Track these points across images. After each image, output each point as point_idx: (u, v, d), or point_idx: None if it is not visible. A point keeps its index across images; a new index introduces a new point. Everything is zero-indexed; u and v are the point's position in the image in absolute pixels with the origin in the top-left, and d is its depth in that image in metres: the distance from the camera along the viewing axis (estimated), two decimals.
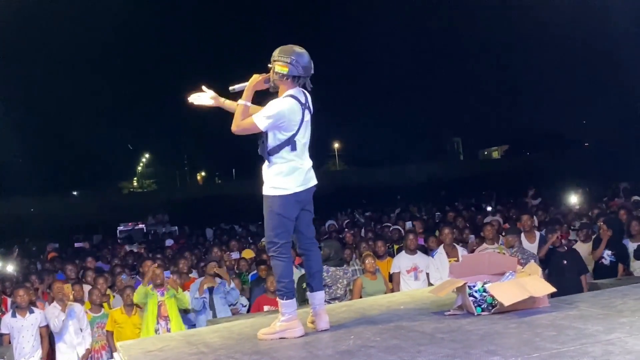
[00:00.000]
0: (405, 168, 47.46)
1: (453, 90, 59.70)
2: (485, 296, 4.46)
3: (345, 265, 8.08)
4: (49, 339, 8.00)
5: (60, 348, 7.84)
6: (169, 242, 15.61)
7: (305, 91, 4.62)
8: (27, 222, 36.57)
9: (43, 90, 55.41)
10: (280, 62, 4.47)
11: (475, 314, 4.41)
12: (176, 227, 22.64)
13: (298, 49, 4.53)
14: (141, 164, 71.80)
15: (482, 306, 4.44)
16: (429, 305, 4.90)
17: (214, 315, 8.12)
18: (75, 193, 58.09)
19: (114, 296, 8.73)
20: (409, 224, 10.79)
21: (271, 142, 4.51)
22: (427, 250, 8.95)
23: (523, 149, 59.02)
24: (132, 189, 67.82)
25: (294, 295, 4.63)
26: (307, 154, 4.65)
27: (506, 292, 4.32)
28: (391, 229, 11.13)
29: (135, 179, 72.76)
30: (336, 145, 66.48)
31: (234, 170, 62.06)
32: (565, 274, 7.95)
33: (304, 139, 4.57)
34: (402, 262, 8.49)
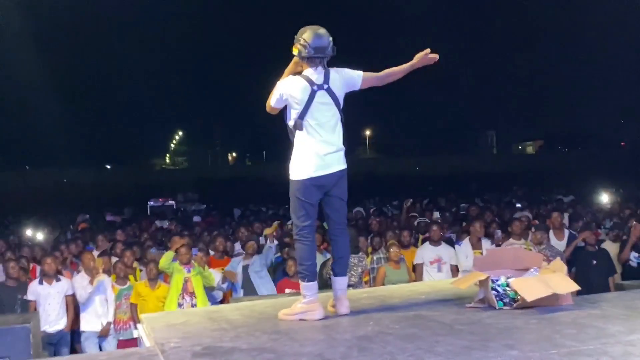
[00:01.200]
0: (436, 159, 47.21)
1: (489, 83, 59.18)
2: (507, 291, 4.44)
3: (360, 253, 8.10)
4: (74, 308, 8.16)
5: (85, 317, 8.00)
6: (196, 219, 15.82)
7: (329, 71, 4.54)
8: (59, 192, 37.23)
9: (85, 67, 56.25)
10: (294, 44, 4.52)
11: (497, 308, 4.39)
12: (205, 205, 22.86)
13: (310, 29, 4.50)
14: (174, 142, 72.42)
15: (504, 300, 4.42)
16: (451, 297, 4.89)
17: (254, 293, 8.11)
18: (108, 167, 58.80)
19: (140, 270, 8.84)
20: (435, 215, 10.74)
21: (289, 121, 4.57)
22: (453, 242, 8.91)
23: (558, 146, 58.30)
24: (164, 166, 68.50)
25: (316, 278, 4.66)
26: (329, 137, 4.54)
27: (529, 287, 4.29)
28: (417, 219, 11.10)
29: (167, 156, 73.47)
30: (367, 132, 66.28)
31: (264, 152, 62.33)
32: (593, 274, 7.89)
33: (314, 120, 4.48)
34: (426, 253, 8.48)
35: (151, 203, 22.90)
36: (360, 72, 4.71)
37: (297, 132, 4.53)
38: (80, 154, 53.35)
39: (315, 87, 4.48)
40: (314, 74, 4.50)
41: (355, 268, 7.87)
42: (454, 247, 8.56)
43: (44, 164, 50.56)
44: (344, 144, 4.68)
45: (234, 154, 71.48)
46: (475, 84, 61.38)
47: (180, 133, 70.47)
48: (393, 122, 63.20)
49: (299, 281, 4.67)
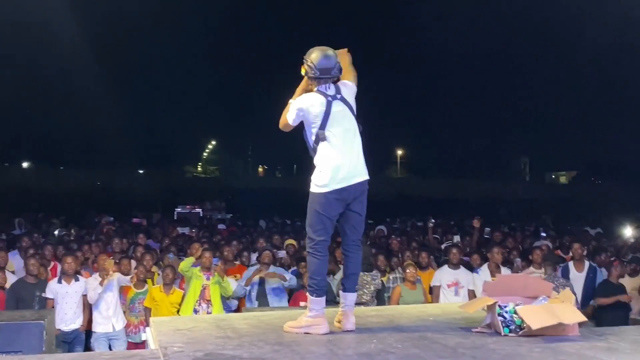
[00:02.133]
0: (467, 182, 46.87)
1: (526, 109, 58.68)
2: (514, 317, 4.41)
3: (374, 271, 8.08)
4: (90, 308, 8.26)
5: (95, 318, 8.08)
6: (221, 227, 15.98)
7: (337, 85, 4.65)
8: (91, 194, 37.75)
9: (127, 71, 57.15)
10: (303, 63, 4.65)
11: (502, 334, 4.37)
12: (231, 215, 23.00)
13: (318, 50, 4.63)
14: (207, 150, 73.04)
15: (510, 327, 4.40)
16: (459, 320, 4.87)
17: (265, 305, 8.12)
18: (141, 171, 59.48)
19: (158, 274, 8.94)
20: (456, 238, 10.70)
21: (309, 138, 4.62)
22: (472, 267, 8.85)
23: (592, 177, 57.53)
24: (195, 174, 69.07)
25: (325, 294, 4.69)
26: (349, 148, 4.60)
27: (536, 315, 4.26)
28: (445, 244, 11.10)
29: (199, 164, 74.10)
30: (400, 152, 66.14)
31: (295, 166, 62.52)
32: (610, 307, 7.78)
33: (335, 129, 4.55)
34: (444, 275, 8.44)
35: (178, 209, 23.11)
36: (352, 82, 4.80)
37: (319, 146, 4.58)
38: (115, 157, 54.12)
39: (329, 98, 4.58)
40: (325, 88, 4.62)
41: (368, 286, 7.86)
42: (472, 272, 8.49)
43: (78, 165, 51.32)
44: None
45: (265, 167, 71.87)
46: (512, 110, 60.98)
47: (213, 142, 71.11)
48: (427, 143, 63.03)
49: (307, 294, 4.70)
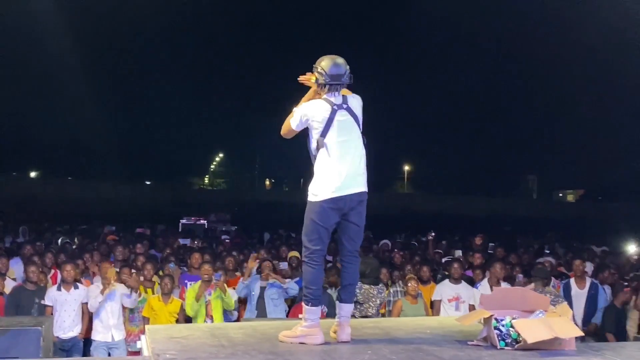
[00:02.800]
0: (473, 199, 46.78)
1: (534, 127, 58.62)
2: (510, 331, 4.38)
3: (380, 285, 8.03)
4: (89, 317, 8.23)
5: (96, 327, 8.03)
6: (224, 237, 16.00)
7: (345, 94, 4.67)
8: (98, 204, 37.85)
9: (133, 84, 57.53)
10: (313, 71, 4.66)
11: (498, 347, 4.33)
12: (235, 227, 22.97)
13: (328, 58, 4.64)
14: (214, 163, 73.21)
15: (507, 341, 4.36)
16: (455, 334, 4.83)
17: (263, 316, 8.11)
18: (147, 183, 59.64)
19: (158, 283, 8.92)
20: (457, 253, 10.66)
21: (311, 145, 4.63)
22: (473, 282, 8.81)
23: (599, 197, 57.30)
24: (202, 186, 69.21)
25: (320, 303, 4.66)
26: (351, 157, 4.58)
27: (532, 329, 4.22)
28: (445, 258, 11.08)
29: (207, 176, 74.25)
30: (407, 168, 66.12)
31: (302, 179, 62.58)
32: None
33: (335, 138, 4.54)
34: (445, 290, 8.40)
35: (183, 221, 23.07)
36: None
37: (319, 154, 4.58)
38: (122, 168, 54.33)
39: (335, 107, 4.58)
40: (332, 95, 4.62)
41: (374, 299, 7.80)
42: (473, 287, 8.45)
43: (85, 175, 51.55)
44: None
45: (272, 180, 71.95)
46: (520, 128, 60.95)
47: (221, 155, 71.27)
48: (433, 159, 63.02)
49: (303, 304, 4.67)
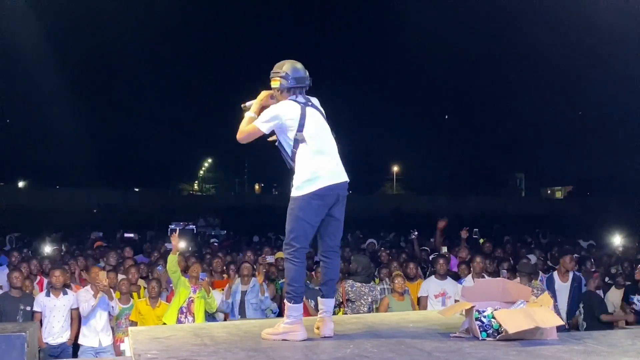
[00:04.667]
0: (462, 198, 46.87)
1: (521, 125, 58.80)
2: (492, 322, 4.40)
3: (372, 283, 8.05)
4: (79, 322, 8.20)
5: (83, 331, 7.99)
6: (213, 241, 15.98)
7: (308, 96, 4.74)
8: (86, 212, 37.73)
9: (118, 91, 57.38)
10: (274, 77, 4.68)
11: (480, 338, 4.35)
12: (225, 231, 22.95)
13: (289, 62, 4.70)
14: (203, 169, 73.06)
15: (488, 331, 4.38)
16: (438, 326, 4.85)
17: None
18: (136, 190, 59.44)
19: (144, 287, 8.89)
20: (443, 249, 10.69)
21: (286, 146, 4.63)
22: (459, 277, 8.84)
23: (588, 192, 57.55)
24: (191, 192, 69.03)
25: (302, 300, 4.66)
26: (329, 149, 4.64)
27: (513, 319, 4.25)
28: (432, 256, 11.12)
29: (196, 182, 74.08)
30: (395, 168, 66.21)
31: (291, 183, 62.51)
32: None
33: (312, 131, 4.58)
34: (431, 286, 8.41)
35: (172, 226, 23.02)
36: None
37: (298, 151, 4.57)
38: (110, 176, 54.12)
39: (302, 104, 4.63)
40: (297, 98, 4.67)
41: (365, 297, 7.82)
42: (457, 281, 8.48)
43: (74, 184, 51.29)
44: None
45: (261, 184, 71.82)
46: (507, 126, 61.16)
47: (209, 160, 71.12)
48: (422, 160, 63.11)
49: (285, 301, 4.67)
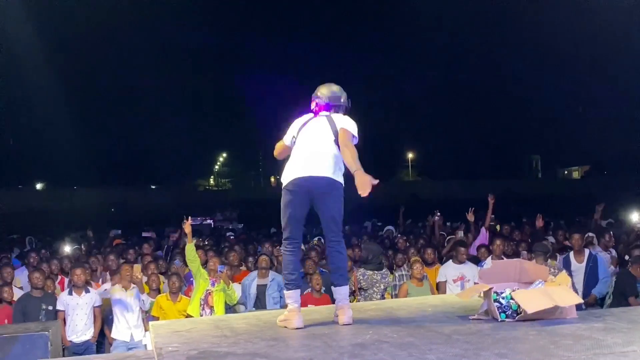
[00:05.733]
0: (479, 183, 46.65)
1: (535, 107, 58.45)
2: (510, 303, 4.39)
3: (384, 270, 8.05)
4: (101, 320, 8.29)
5: (116, 325, 8.05)
6: (229, 234, 16.05)
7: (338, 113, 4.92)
8: (104, 211, 37.97)
9: (134, 92, 57.65)
10: (313, 100, 5.01)
11: (499, 320, 4.34)
12: (242, 225, 23.01)
13: (323, 87, 5.01)
14: (218, 164, 73.28)
15: (507, 312, 4.37)
16: (457, 310, 4.85)
17: None
18: (153, 187, 59.79)
19: (163, 282, 8.95)
20: (459, 234, 10.65)
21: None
22: (478, 260, 8.81)
23: (605, 171, 57.15)
24: (207, 187, 69.32)
25: (297, 287, 4.77)
26: (313, 148, 4.76)
27: (531, 299, 4.24)
28: (447, 238, 11.07)
29: (212, 177, 74.35)
30: (410, 155, 66.05)
31: None
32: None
33: (304, 135, 4.85)
34: (449, 271, 8.39)
35: (190, 222, 23.13)
36: (343, 128, 4.82)
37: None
38: (128, 175, 54.51)
39: (316, 115, 4.92)
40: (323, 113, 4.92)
41: (377, 285, 7.83)
42: (477, 265, 8.46)
43: (92, 184, 51.67)
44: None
45: (277, 177, 71.97)
46: (521, 108, 60.77)
47: (224, 155, 71.31)
48: (437, 145, 62.92)
49: (284, 290, 4.82)
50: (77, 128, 50.84)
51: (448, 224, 12.41)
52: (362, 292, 7.73)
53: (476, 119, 60.64)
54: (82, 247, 13.18)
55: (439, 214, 11.75)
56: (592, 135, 54.75)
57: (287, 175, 4.76)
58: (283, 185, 4.78)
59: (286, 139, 4.96)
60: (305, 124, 4.88)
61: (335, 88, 4.98)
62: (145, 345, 5.06)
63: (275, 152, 5.09)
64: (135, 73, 57.28)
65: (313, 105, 4.98)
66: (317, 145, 4.76)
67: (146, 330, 8.09)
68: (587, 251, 8.51)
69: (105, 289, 8.59)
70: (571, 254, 8.43)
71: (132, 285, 8.18)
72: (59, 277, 9.40)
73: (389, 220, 19.23)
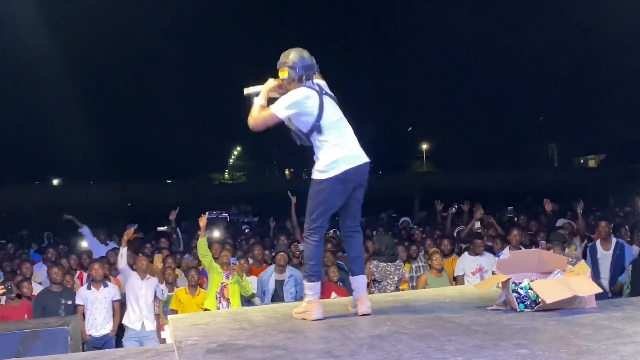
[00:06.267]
0: (494, 173, 46.47)
1: (550, 95, 58.05)
2: (529, 293, 4.37)
3: (398, 261, 8.04)
4: (120, 314, 8.37)
5: (128, 314, 8.23)
6: (245, 227, 16.11)
7: (319, 82, 4.73)
8: (121, 206, 38.20)
9: (148, 86, 57.84)
10: (281, 67, 4.66)
11: (518, 310, 4.33)
12: (257, 218, 23.05)
13: (295, 51, 4.67)
14: (233, 157, 73.42)
15: (526, 303, 4.36)
16: (475, 300, 4.84)
17: None
18: (169, 181, 60.03)
19: (178, 275, 9.02)
20: (476, 225, 10.60)
21: (302, 127, 4.63)
22: (493, 250, 8.79)
23: (622, 159, 56.66)
24: (222, 180, 69.53)
25: (319, 279, 4.74)
26: (349, 133, 4.67)
27: (550, 289, 4.22)
28: (458, 229, 11.06)
29: (226, 171, 74.54)
30: (425, 146, 65.86)
31: None
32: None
33: (331, 118, 4.60)
34: (466, 263, 8.37)
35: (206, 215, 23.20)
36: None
37: (319, 138, 4.59)
38: (143, 169, 54.72)
39: (319, 93, 4.63)
40: (311, 84, 4.66)
41: (391, 277, 7.84)
42: (494, 255, 8.44)
43: (107, 180, 51.98)
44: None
45: (291, 170, 72.01)
46: (536, 97, 60.44)
47: (238, 148, 71.44)
48: (451, 136, 62.66)
49: (304, 281, 4.76)
50: (93, 124, 51.11)
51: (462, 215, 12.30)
52: (376, 284, 7.74)
53: (491, 108, 60.32)
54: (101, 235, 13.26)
55: (456, 206, 11.72)
56: (609, 123, 54.31)
57: (334, 167, 4.52)
58: (327, 175, 4.52)
59: (283, 113, 4.56)
60: (321, 105, 4.56)
61: (306, 54, 4.66)
62: (165, 338, 5.09)
63: (257, 122, 4.65)
64: (152, 69, 57.55)
65: (285, 75, 4.62)
66: (348, 130, 4.68)
67: (161, 322, 8.21)
68: (614, 239, 8.46)
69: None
70: (597, 241, 8.39)
71: (148, 275, 8.27)
72: (78, 271, 9.48)
73: (406, 212, 19.20)
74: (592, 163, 66.49)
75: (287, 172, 71.77)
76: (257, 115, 4.66)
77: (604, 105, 54.84)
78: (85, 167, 53.36)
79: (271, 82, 4.75)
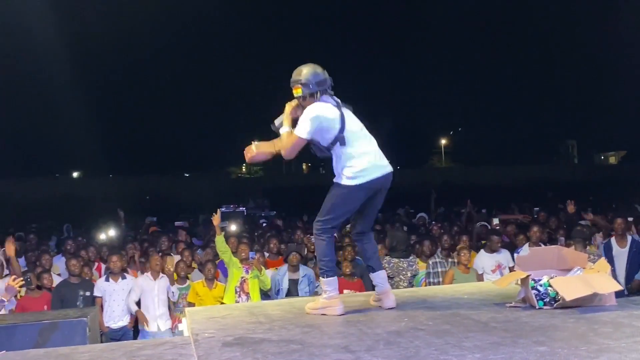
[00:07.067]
0: (513, 169, 46.17)
1: (570, 91, 57.56)
2: (549, 290, 4.33)
3: (411, 257, 7.99)
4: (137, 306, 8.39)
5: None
6: (262, 222, 16.15)
7: (333, 96, 4.70)
8: (139, 199, 38.42)
9: (166, 81, 58.14)
10: (295, 85, 4.64)
11: (537, 307, 4.30)
12: (274, 212, 23.09)
13: (307, 67, 4.66)
14: None
15: (545, 300, 4.32)
16: (493, 297, 4.81)
17: None
18: (186, 175, 60.30)
19: (194, 268, 9.04)
20: (495, 221, 10.55)
21: (324, 144, 4.62)
22: (509, 246, 8.73)
23: None
24: (240, 174, 69.68)
25: (335, 274, 4.75)
26: (371, 142, 4.68)
27: (569, 286, 4.18)
28: (479, 224, 10.99)
29: (244, 165, 74.62)
30: (444, 141, 65.55)
31: None
32: None
33: (354, 128, 4.62)
34: (484, 261, 8.28)
35: (222, 209, 23.21)
36: None
37: (343, 148, 4.57)
38: (162, 163, 55.01)
39: (336, 105, 4.64)
40: (326, 99, 4.65)
41: (404, 273, 7.80)
42: (510, 251, 8.38)
43: (127, 173, 52.32)
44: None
45: (309, 164, 71.98)
46: (556, 92, 59.95)
47: (256, 143, 71.41)
48: (471, 131, 62.40)
49: (320, 277, 4.76)
50: (112, 118, 51.46)
51: (483, 211, 12.28)
52: (389, 281, 7.67)
53: (510, 104, 59.97)
54: (119, 225, 13.36)
55: (469, 203, 11.68)
56: (629, 119, 53.70)
57: (359, 176, 4.54)
58: (354, 182, 4.54)
59: (307, 132, 4.53)
60: (342, 117, 4.57)
61: (319, 70, 4.65)
62: (182, 331, 5.11)
63: (287, 150, 4.66)
64: (169, 62, 57.80)
65: (299, 92, 4.62)
66: (371, 140, 4.70)
67: (172, 321, 8.24)
68: (629, 237, 8.37)
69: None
70: (613, 238, 8.30)
71: (161, 275, 8.29)
72: (96, 263, 9.54)
73: (423, 208, 19.15)
74: (612, 160, 65.88)
75: (304, 166, 71.75)
76: (286, 144, 4.67)
77: (624, 102, 54.19)
78: (104, 161, 53.75)
79: (289, 106, 4.74)
